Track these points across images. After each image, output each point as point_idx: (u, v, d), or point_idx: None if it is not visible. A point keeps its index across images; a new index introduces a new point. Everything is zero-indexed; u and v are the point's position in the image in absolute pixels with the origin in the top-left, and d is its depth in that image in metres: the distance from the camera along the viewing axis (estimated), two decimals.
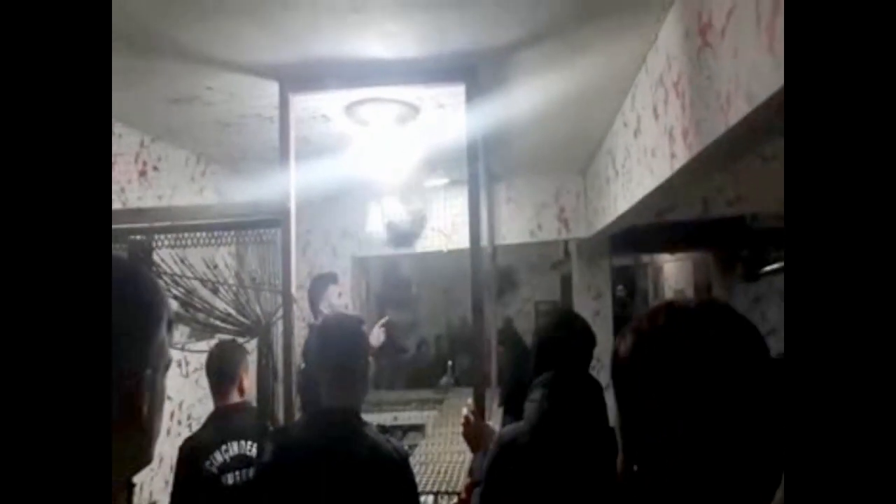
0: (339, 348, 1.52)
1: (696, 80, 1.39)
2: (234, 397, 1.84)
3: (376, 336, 2.61)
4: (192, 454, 1.76)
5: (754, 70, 1.07)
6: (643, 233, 4.03)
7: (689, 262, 5.61)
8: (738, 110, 1.15)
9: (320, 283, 2.78)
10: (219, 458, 1.75)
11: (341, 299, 2.69)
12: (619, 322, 4.03)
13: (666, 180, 1.69)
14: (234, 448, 1.78)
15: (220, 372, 1.84)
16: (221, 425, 1.81)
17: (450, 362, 4.47)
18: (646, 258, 6.31)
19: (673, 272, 5.97)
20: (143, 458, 0.61)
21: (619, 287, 5.84)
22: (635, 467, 0.67)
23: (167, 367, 0.63)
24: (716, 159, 1.44)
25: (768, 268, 4.86)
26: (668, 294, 5.98)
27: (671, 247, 5.15)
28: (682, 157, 1.52)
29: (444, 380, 4.24)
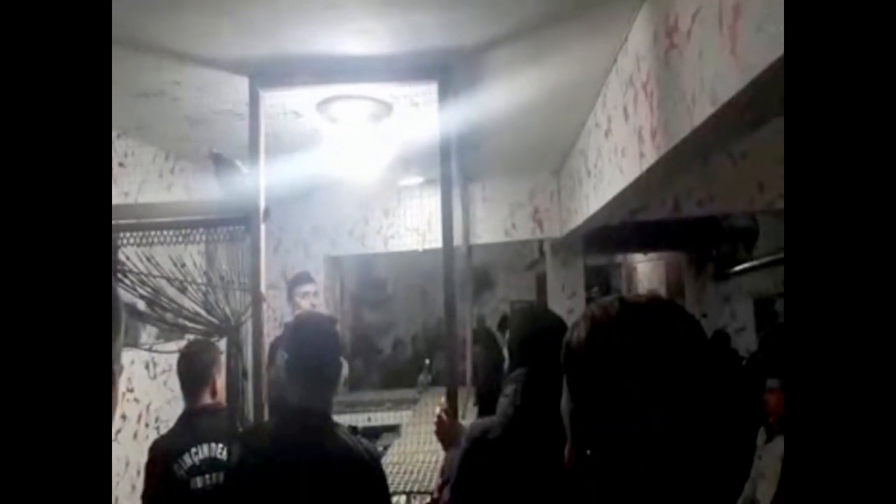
0: (311, 348, 1.49)
1: (664, 80, 1.41)
2: (206, 398, 1.81)
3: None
4: (162, 457, 1.72)
5: (717, 71, 1.09)
6: (616, 233, 4.08)
7: (661, 263, 5.70)
8: (703, 110, 1.16)
9: (290, 284, 2.75)
10: (188, 461, 1.72)
11: (306, 300, 2.63)
12: None
13: (635, 180, 1.71)
14: (203, 451, 1.74)
15: (192, 372, 1.81)
16: (192, 427, 1.77)
17: (427, 360, 4.47)
18: (619, 258, 6.38)
19: (646, 272, 6.05)
20: None
21: (594, 289, 5.89)
22: (588, 452, 0.70)
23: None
24: (684, 159, 1.46)
25: (738, 268, 4.95)
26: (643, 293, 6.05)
27: (644, 247, 5.22)
28: (651, 157, 1.54)
29: (421, 377, 4.23)
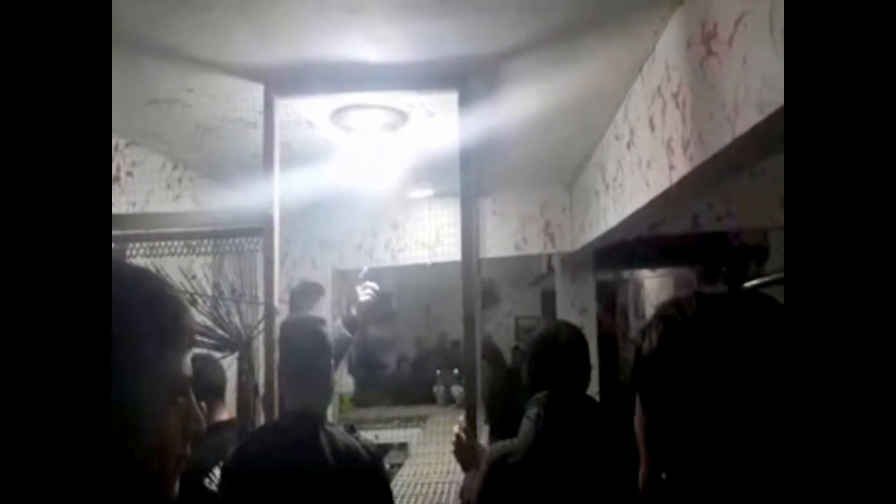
0: (299, 350, 1.50)
1: (699, 89, 1.36)
2: (223, 414, 1.75)
3: (362, 293, 2.46)
4: (192, 473, 1.66)
5: (766, 78, 1.04)
6: (626, 249, 4.02)
7: (670, 279, 5.63)
8: (748, 119, 1.11)
9: (306, 294, 2.62)
10: (218, 474, 1.66)
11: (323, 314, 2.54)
12: (603, 339, 4.01)
13: (663, 192, 1.66)
14: None
15: (208, 388, 1.74)
16: (214, 443, 1.72)
17: (437, 372, 4.39)
18: (626, 274, 6.31)
19: (654, 288, 5.99)
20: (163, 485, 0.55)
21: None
22: (663, 475, 0.61)
23: (189, 382, 0.57)
24: (720, 170, 1.41)
25: (748, 284, 4.89)
26: (649, 310, 5.99)
27: (653, 263, 5.16)
28: (683, 169, 1.48)
29: (437, 389, 4.16)
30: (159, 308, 0.53)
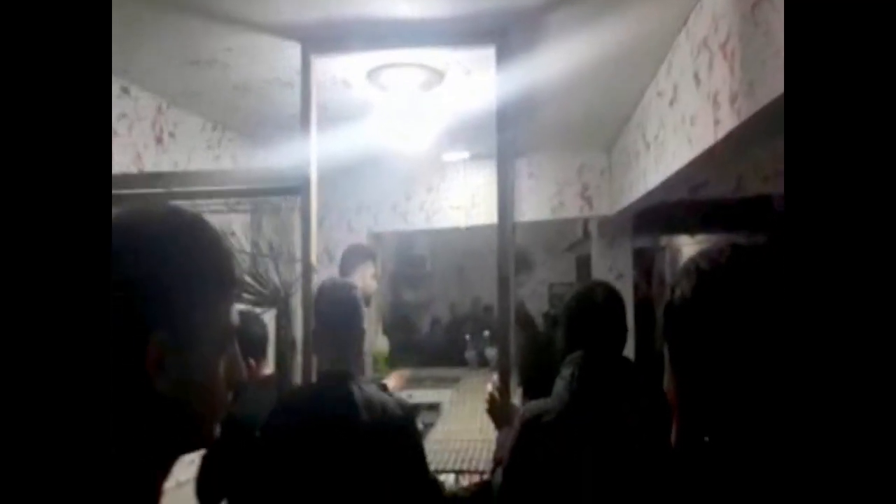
0: (333, 313, 1.54)
1: (750, 37, 1.29)
2: (267, 369, 1.81)
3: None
4: (242, 429, 1.72)
5: None
6: (665, 213, 3.92)
7: (709, 245, 5.49)
8: None
9: (356, 256, 2.53)
10: None
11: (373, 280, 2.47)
12: (639, 306, 3.95)
13: (707, 149, 1.60)
14: None
15: (254, 344, 1.79)
16: (260, 398, 1.77)
17: (467, 337, 4.43)
18: (664, 241, 6.18)
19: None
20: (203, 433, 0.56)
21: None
22: (706, 438, 0.59)
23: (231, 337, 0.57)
24: (768, 125, 1.35)
25: None
26: None
27: (692, 229, 5.03)
28: (729, 124, 1.43)
29: (470, 354, 4.21)
30: (217, 256, 0.54)
